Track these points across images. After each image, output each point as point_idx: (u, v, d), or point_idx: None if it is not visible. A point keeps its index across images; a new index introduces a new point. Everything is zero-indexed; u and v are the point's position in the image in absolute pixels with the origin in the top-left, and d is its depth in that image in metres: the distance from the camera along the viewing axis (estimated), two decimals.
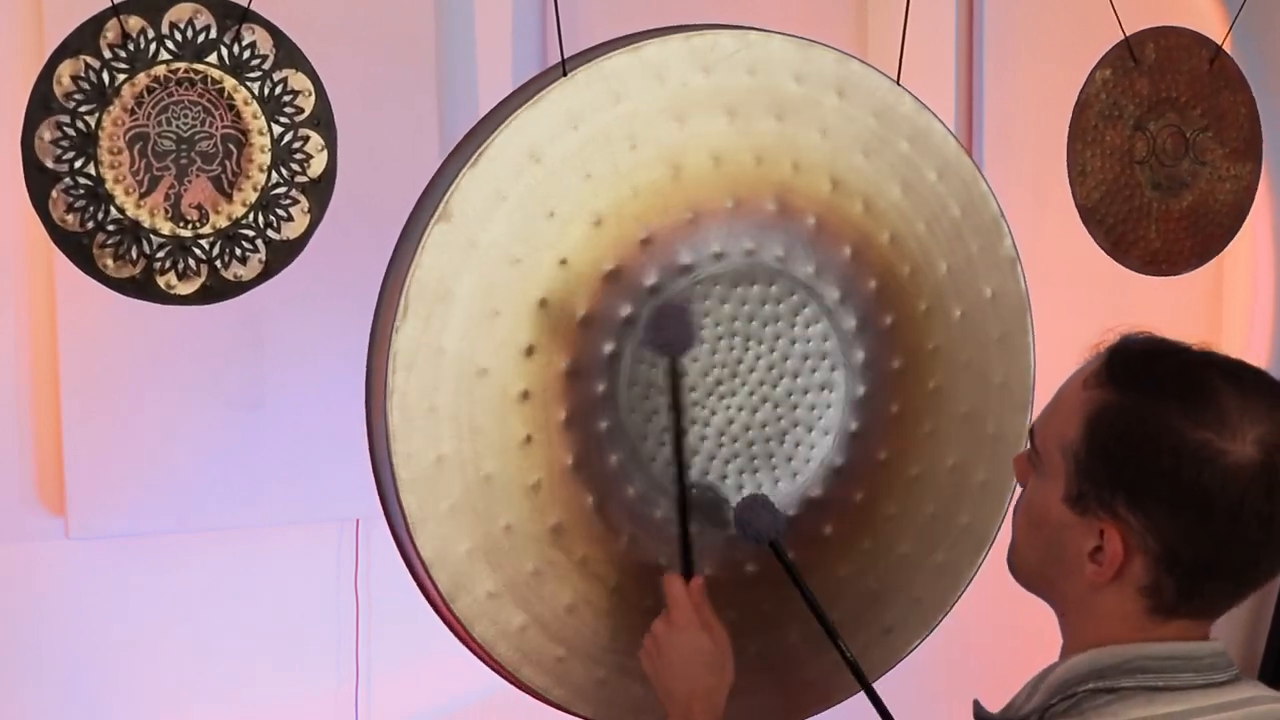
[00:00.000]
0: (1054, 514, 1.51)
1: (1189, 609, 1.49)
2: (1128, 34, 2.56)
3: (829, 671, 2.09)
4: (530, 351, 1.90)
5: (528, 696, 2.02)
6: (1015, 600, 1.75)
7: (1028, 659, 1.70)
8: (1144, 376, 1.48)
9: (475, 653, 1.97)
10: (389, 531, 1.95)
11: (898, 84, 2.09)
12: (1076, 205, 2.56)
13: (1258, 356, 3.70)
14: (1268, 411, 1.44)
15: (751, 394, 2.03)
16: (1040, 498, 1.54)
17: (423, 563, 1.87)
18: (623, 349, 1.94)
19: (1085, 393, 1.50)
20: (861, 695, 2.08)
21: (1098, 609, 1.50)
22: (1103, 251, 2.61)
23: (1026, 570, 1.58)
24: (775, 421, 2.04)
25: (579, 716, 2.02)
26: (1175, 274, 2.68)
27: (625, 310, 1.94)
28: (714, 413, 2.01)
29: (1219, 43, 2.65)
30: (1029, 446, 1.58)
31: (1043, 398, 1.63)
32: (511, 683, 1.99)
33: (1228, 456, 1.41)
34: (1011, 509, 1.63)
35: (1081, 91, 2.55)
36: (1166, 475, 1.43)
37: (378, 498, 1.95)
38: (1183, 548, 1.44)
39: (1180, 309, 3.54)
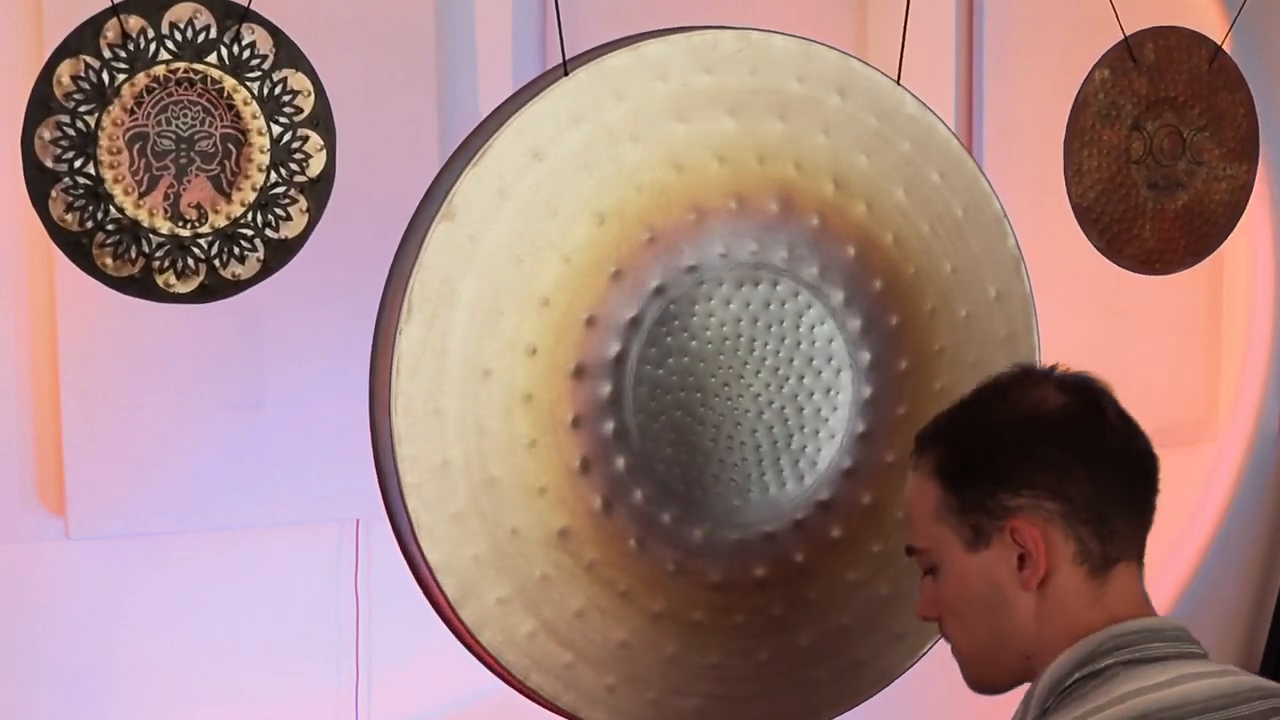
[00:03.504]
0: (971, 573, 1.59)
1: (1115, 550, 1.57)
2: (1127, 34, 2.56)
3: (841, 675, 2.09)
4: (534, 352, 1.89)
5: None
6: None
7: None
8: (943, 420, 1.69)
9: (481, 658, 1.95)
10: (393, 535, 1.94)
11: (899, 84, 2.09)
12: (1072, 204, 2.56)
13: (1257, 357, 3.69)
14: (1044, 377, 1.67)
15: (758, 396, 2.03)
16: (953, 580, 1.62)
17: (429, 568, 1.85)
18: (628, 350, 1.93)
19: (918, 471, 1.67)
20: (878, 698, 2.08)
21: (1053, 608, 1.57)
22: (1097, 251, 2.62)
23: (987, 658, 1.64)
24: (782, 424, 2.04)
25: None
26: (1169, 272, 2.69)
27: (630, 311, 1.94)
28: (720, 414, 2.00)
29: (1219, 43, 2.65)
30: (920, 568, 1.67)
31: None
32: (517, 689, 1.97)
33: (1046, 404, 1.62)
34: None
35: (1080, 91, 2.55)
36: (1015, 448, 1.60)
37: (381, 500, 1.94)
38: (1072, 492, 1.57)
39: (1179, 309, 3.54)
